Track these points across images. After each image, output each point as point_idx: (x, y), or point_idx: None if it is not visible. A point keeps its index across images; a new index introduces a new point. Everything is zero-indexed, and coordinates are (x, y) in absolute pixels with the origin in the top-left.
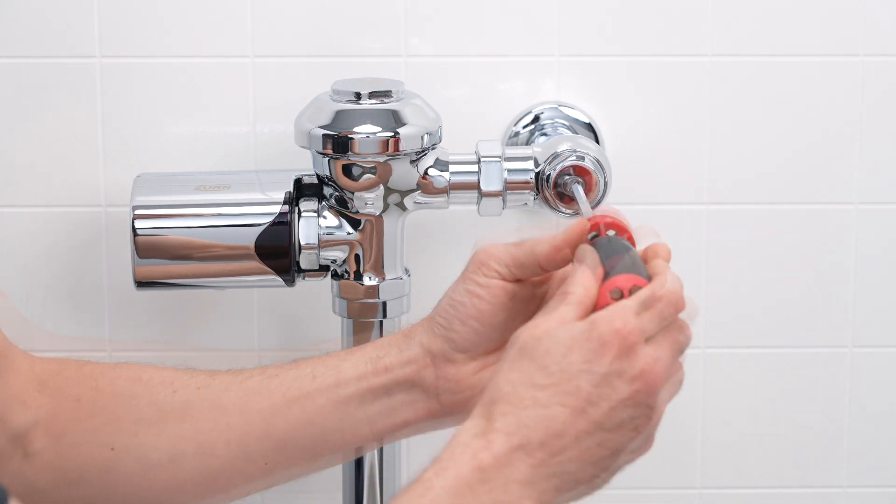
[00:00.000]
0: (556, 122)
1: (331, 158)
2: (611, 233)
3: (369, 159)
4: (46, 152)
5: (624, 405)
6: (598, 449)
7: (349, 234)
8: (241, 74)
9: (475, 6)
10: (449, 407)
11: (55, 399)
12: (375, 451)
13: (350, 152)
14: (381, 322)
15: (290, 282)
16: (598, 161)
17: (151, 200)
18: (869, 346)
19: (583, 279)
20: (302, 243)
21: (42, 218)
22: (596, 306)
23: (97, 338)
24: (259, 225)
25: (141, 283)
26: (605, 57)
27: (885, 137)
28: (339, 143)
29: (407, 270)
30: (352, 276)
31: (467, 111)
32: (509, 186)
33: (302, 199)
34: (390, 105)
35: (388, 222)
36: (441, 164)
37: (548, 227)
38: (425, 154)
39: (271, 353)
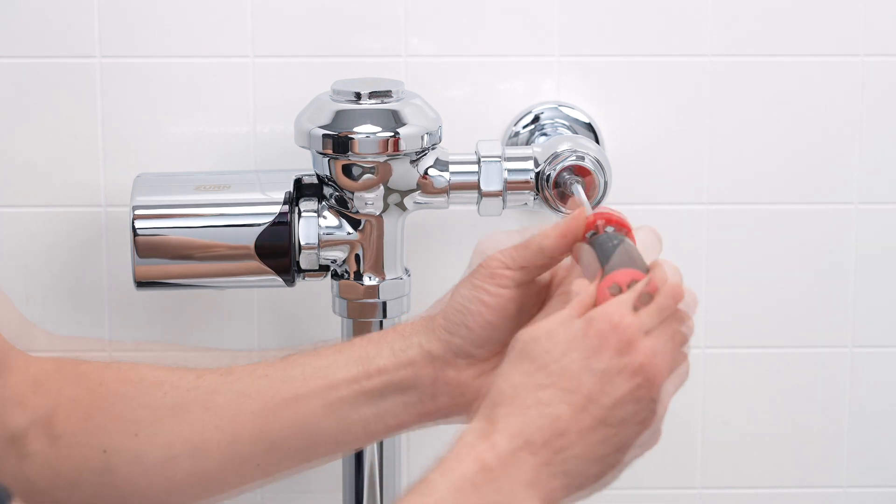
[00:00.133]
0: (556, 122)
1: (331, 158)
2: (609, 229)
3: (369, 159)
4: (46, 152)
5: (626, 400)
6: (603, 445)
7: (349, 234)
8: (241, 74)
9: (475, 6)
10: (445, 409)
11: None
12: (375, 451)
13: (350, 152)
14: (381, 322)
15: (290, 282)
16: (598, 161)
17: (151, 200)
18: (869, 346)
19: (580, 278)
20: (302, 243)
21: (42, 218)
22: (595, 304)
23: (97, 338)
24: (259, 225)
25: (141, 283)
26: (605, 57)
27: (885, 137)
28: (339, 143)
29: (407, 270)
30: (352, 276)
31: (467, 111)
32: (509, 186)
33: (302, 199)
34: (390, 105)
35: (388, 222)
36: (441, 164)
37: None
38: (425, 154)
39: (271, 353)
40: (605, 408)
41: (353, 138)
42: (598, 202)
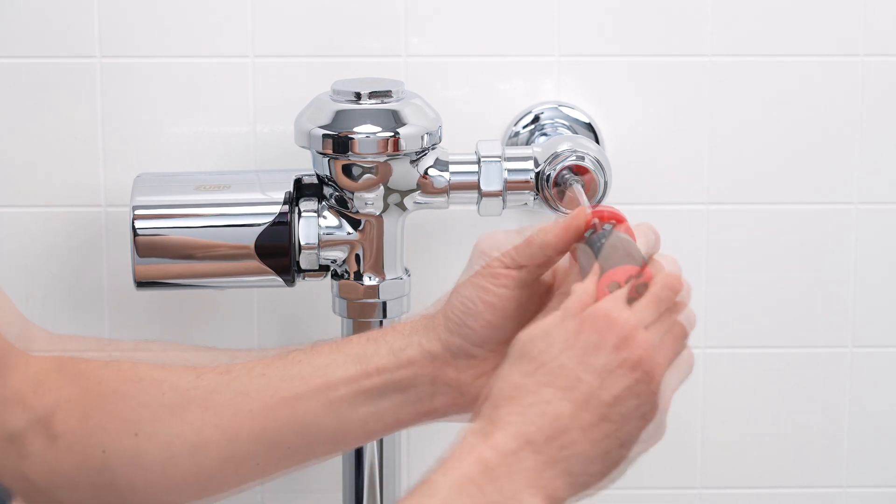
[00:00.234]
0: (556, 122)
1: (331, 158)
2: (608, 226)
3: (369, 159)
4: (46, 152)
5: (627, 395)
6: (606, 442)
7: (349, 234)
8: (241, 74)
9: (475, 6)
10: (444, 408)
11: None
12: (375, 451)
13: (350, 152)
14: (380, 322)
15: (290, 282)
16: (598, 161)
17: (151, 200)
18: (869, 346)
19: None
20: (302, 243)
21: (42, 218)
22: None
23: (97, 337)
24: (259, 225)
25: (141, 283)
26: (605, 57)
27: (885, 137)
28: (339, 143)
29: (407, 270)
30: (352, 276)
31: (467, 111)
32: (509, 186)
33: (302, 199)
34: (390, 105)
35: (388, 222)
36: (441, 164)
37: None
38: (425, 154)
39: (271, 352)
40: (606, 404)
41: (353, 138)
42: (598, 202)
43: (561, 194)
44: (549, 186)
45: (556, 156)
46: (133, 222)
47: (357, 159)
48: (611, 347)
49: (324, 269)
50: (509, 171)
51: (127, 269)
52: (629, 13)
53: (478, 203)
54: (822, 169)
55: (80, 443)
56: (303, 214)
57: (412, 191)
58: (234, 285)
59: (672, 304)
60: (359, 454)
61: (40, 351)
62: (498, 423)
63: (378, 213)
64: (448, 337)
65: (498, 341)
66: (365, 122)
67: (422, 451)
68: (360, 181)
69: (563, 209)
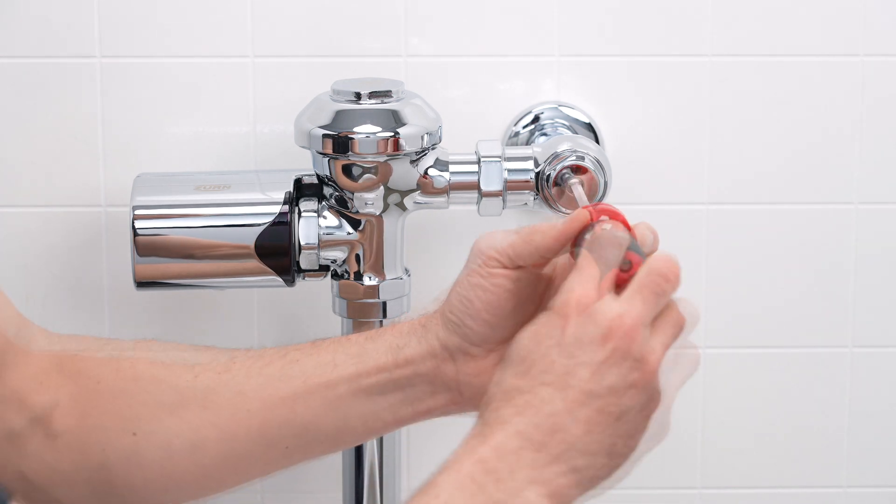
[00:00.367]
0: (556, 122)
1: (331, 158)
2: (607, 227)
3: (369, 159)
4: (46, 152)
5: (622, 386)
6: (608, 436)
7: (349, 234)
8: (241, 74)
9: (475, 6)
10: (442, 407)
11: (75, 380)
12: (375, 451)
13: (350, 152)
14: (381, 322)
15: (290, 282)
16: (598, 161)
17: (151, 200)
18: (869, 346)
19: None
20: (302, 243)
21: (42, 218)
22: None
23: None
24: (259, 225)
25: (141, 283)
26: (605, 57)
27: (885, 137)
28: (339, 143)
29: (407, 270)
30: (352, 276)
31: (467, 111)
32: (509, 186)
33: (302, 199)
34: (390, 105)
35: (388, 222)
36: (441, 164)
37: None
38: (425, 154)
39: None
40: (601, 396)
41: (353, 138)
42: (598, 202)
43: (561, 194)
44: (549, 186)
45: (556, 156)
46: (133, 222)
47: (357, 159)
48: (598, 339)
49: (324, 269)
50: (509, 171)
51: (127, 269)
52: (629, 13)
53: (478, 203)
54: (822, 169)
55: (79, 441)
56: (303, 214)
57: (412, 191)
58: (234, 285)
59: (661, 290)
60: (359, 454)
61: (39, 350)
62: (496, 424)
63: (378, 213)
64: (446, 336)
65: (496, 340)
66: (365, 122)
67: (422, 451)
68: (360, 181)
69: (563, 209)
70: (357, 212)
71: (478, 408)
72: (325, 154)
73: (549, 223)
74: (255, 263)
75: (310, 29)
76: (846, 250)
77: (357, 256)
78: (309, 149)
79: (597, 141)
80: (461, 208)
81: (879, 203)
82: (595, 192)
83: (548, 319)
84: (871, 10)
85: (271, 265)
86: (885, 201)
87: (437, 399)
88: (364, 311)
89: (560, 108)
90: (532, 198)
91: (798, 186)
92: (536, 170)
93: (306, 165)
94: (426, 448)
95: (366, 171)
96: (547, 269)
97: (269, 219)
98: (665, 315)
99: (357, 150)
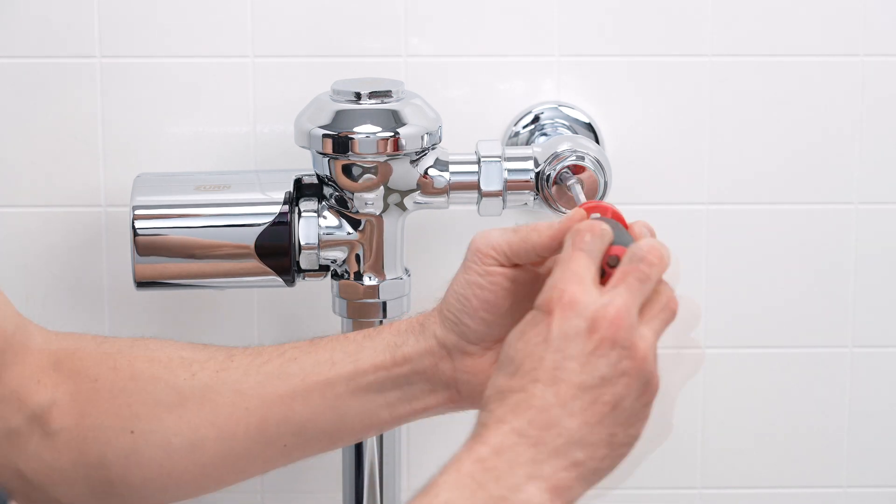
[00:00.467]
0: (556, 122)
1: (331, 158)
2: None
3: (369, 159)
4: (46, 152)
5: (613, 374)
6: (605, 426)
7: (349, 234)
8: (241, 74)
9: (475, 6)
10: (440, 404)
11: (73, 379)
12: (375, 451)
13: (350, 152)
14: (380, 322)
15: (290, 282)
16: (598, 161)
17: (151, 200)
18: (869, 346)
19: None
20: (302, 243)
21: (42, 218)
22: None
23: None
24: (259, 225)
25: (141, 284)
26: (605, 57)
27: (885, 137)
28: (339, 143)
29: (407, 270)
30: (352, 276)
31: (467, 111)
32: (509, 186)
33: (302, 199)
34: (390, 105)
35: (388, 222)
36: (441, 164)
37: None
38: (425, 154)
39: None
40: (594, 388)
41: (353, 138)
42: (597, 201)
43: (561, 194)
44: (549, 186)
45: (556, 156)
46: (133, 222)
47: (357, 159)
48: (584, 332)
49: (324, 269)
50: (509, 171)
51: (127, 269)
52: (629, 13)
53: (478, 203)
54: (822, 169)
55: (77, 440)
56: (303, 214)
57: (412, 191)
58: (234, 285)
59: (644, 276)
60: (359, 454)
61: (36, 347)
62: (492, 424)
63: (378, 213)
64: (444, 334)
65: (494, 338)
66: (365, 122)
67: (422, 451)
68: (360, 181)
69: (563, 209)
70: (357, 212)
71: (475, 405)
72: (325, 154)
73: (546, 222)
74: (255, 263)
75: (310, 29)
76: (846, 250)
77: (357, 256)
78: (309, 149)
79: (597, 141)
80: (461, 208)
81: (879, 203)
82: (595, 191)
83: (533, 317)
84: (871, 10)
85: (271, 265)
86: (885, 201)
87: (435, 397)
88: (364, 311)
89: (560, 108)
90: (532, 198)
91: (798, 186)
92: (536, 170)
93: (306, 165)
94: (426, 447)
95: (366, 171)
96: (544, 268)
97: (269, 219)
98: (654, 301)
99: (357, 150)
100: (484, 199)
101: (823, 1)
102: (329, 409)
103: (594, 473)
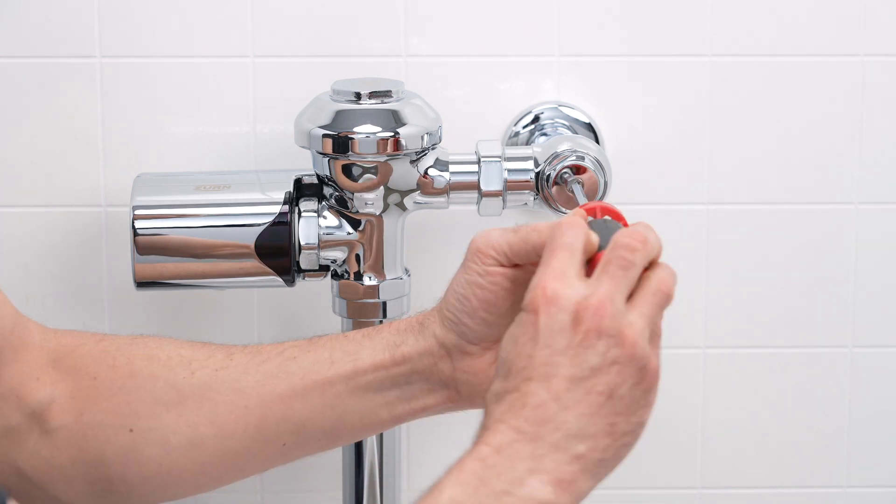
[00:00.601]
0: (556, 122)
1: (331, 158)
2: (606, 218)
3: (369, 159)
4: (46, 152)
5: (603, 363)
6: (603, 413)
7: (349, 234)
8: (241, 74)
9: (475, 6)
10: (439, 404)
11: (72, 376)
12: (375, 451)
13: (350, 152)
14: (380, 322)
15: (290, 282)
16: (598, 161)
17: (151, 200)
18: (869, 346)
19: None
20: (302, 243)
21: (42, 218)
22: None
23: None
24: (259, 225)
25: (141, 284)
26: (605, 57)
27: (885, 137)
28: (339, 143)
29: (407, 270)
30: (352, 276)
31: (467, 111)
32: (509, 186)
33: (302, 199)
34: (390, 105)
35: (388, 222)
36: (441, 164)
37: None
38: (425, 154)
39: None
40: (586, 379)
41: (353, 138)
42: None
43: (561, 194)
44: (549, 186)
45: (556, 156)
46: (133, 222)
47: (357, 159)
48: (569, 325)
49: (324, 269)
50: (509, 171)
51: (127, 269)
52: (629, 13)
53: (478, 203)
54: (822, 169)
55: (76, 438)
56: (303, 214)
57: (412, 191)
58: (234, 285)
59: (627, 263)
60: (359, 454)
61: (35, 345)
62: (491, 426)
63: (378, 213)
64: (444, 333)
65: (493, 338)
66: (365, 122)
67: (422, 451)
68: (360, 181)
69: (563, 209)
70: (357, 212)
71: (474, 405)
72: (325, 154)
73: (546, 222)
74: (255, 263)
75: (310, 29)
76: (846, 250)
77: (357, 256)
78: (309, 149)
79: (597, 141)
80: (461, 208)
81: (879, 203)
82: (595, 192)
83: (521, 319)
84: (871, 10)
85: (271, 265)
86: (885, 201)
87: (434, 396)
88: (364, 311)
89: (560, 108)
90: (532, 198)
91: (798, 186)
92: (536, 170)
93: (306, 165)
94: (426, 447)
95: (366, 171)
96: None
97: (269, 219)
98: (643, 285)
99: (357, 150)
100: (484, 199)
101: (823, 1)
102: (328, 408)
103: (599, 465)
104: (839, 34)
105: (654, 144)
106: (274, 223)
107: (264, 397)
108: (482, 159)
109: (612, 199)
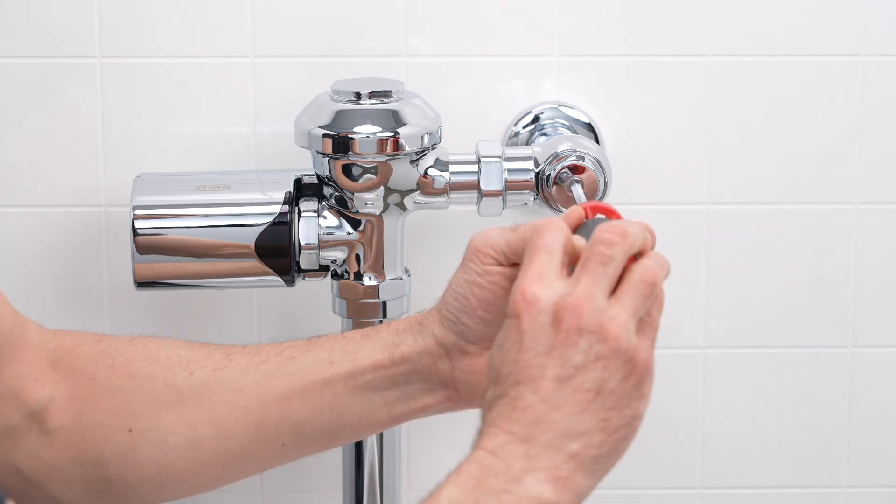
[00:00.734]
0: (556, 122)
1: (331, 158)
2: (599, 217)
3: (369, 159)
4: (46, 152)
5: (587, 360)
6: (593, 410)
7: (349, 234)
8: (241, 74)
9: (475, 6)
10: (438, 404)
11: (71, 377)
12: (375, 451)
13: (350, 152)
14: (380, 322)
15: (290, 282)
16: (598, 161)
17: (151, 200)
18: (869, 346)
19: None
20: (302, 243)
21: (42, 218)
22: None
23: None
24: (259, 225)
25: (141, 284)
26: (605, 57)
27: (885, 137)
28: (339, 143)
29: (407, 270)
30: (352, 276)
31: (467, 111)
32: (509, 186)
33: (302, 199)
34: (390, 105)
35: (388, 222)
36: (441, 164)
37: None
38: (425, 154)
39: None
40: (572, 378)
41: (353, 138)
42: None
43: (561, 194)
44: (549, 186)
45: (556, 156)
46: (133, 222)
47: (357, 159)
48: (549, 326)
49: (324, 269)
50: (509, 171)
51: (127, 269)
52: (629, 13)
53: (478, 203)
54: (822, 169)
55: (75, 438)
56: (303, 214)
57: (412, 191)
58: (234, 285)
59: (605, 258)
60: (359, 454)
61: (34, 345)
62: (485, 430)
63: (378, 213)
64: (442, 333)
65: (492, 338)
66: (365, 122)
67: (421, 451)
68: (360, 181)
69: (563, 209)
70: (357, 212)
71: (473, 405)
72: (325, 154)
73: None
74: (255, 263)
75: (310, 29)
76: (846, 250)
77: (357, 256)
78: (309, 149)
79: (597, 141)
80: (461, 208)
81: (879, 203)
82: (595, 192)
83: (505, 325)
84: (871, 10)
85: (271, 265)
86: (885, 201)
87: (433, 396)
88: (364, 311)
89: (560, 108)
90: (532, 198)
91: (798, 186)
92: (536, 170)
93: (306, 165)
94: (426, 447)
95: (366, 171)
96: None
97: (269, 219)
98: (625, 278)
99: (357, 150)
100: (484, 199)
101: (823, 1)
102: (327, 409)
103: (595, 461)
104: (839, 34)
105: (654, 144)
106: (274, 223)
107: (263, 397)
108: (482, 159)
109: (612, 199)
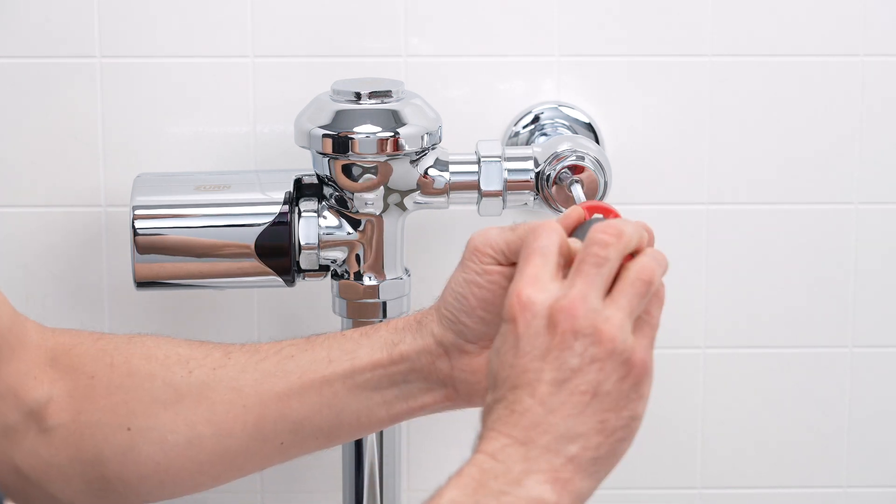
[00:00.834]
0: (556, 122)
1: (331, 158)
2: (597, 216)
3: (369, 159)
4: (46, 152)
5: (582, 362)
6: (591, 412)
7: (349, 234)
8: (241, 74)
9: (475, 6)
10: (437, 403)
11: (70, 375)
12: (375, 451)
13: (350, 152)
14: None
15: (290, 282)
16: (598, 161)
17: (151, 200)
18: (869, 346)
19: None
20: (302, 243)
21: (42, 218)
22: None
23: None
24: (259, 225)
25: (141, 284)
26: (605, 57)
27: (885, 137)
28: (339, 143)
29: (407, 270)
30: (352, 276)
31: (467, 111)
32: (509, 186)
33: (302, 199)
34: (390, 105)
35: (388, 222)
36: (441, 164)
37: None
38: (425, 154)
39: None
40: (568, 381)
41: (353, 138)
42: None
43: (561, 194)
44: (549, 186)
45: (556, 156)
46: (133, 222)
47: (357, 159)
48: (544, 329)
49: (324, 269)
50: (509, 171)
51: (127, 268)
52: (629, 13)
53: (478, 203)
54: (822, 169)
55: (74, 436)
56: (303, 214)
57: (412, 191)
58: (234, 285)
59: (600, 260)
60: (359, 454)
61: (33, 344)
62: (485, 435)
63: (378, 213)
64: (441, 332)
65: (491, 337)
66: (365, 122)
67: (421, 451)
68: (360, 181)
69: (563, 209)
70: (357, 212)
71: (472, 404)
72: (325, 154)
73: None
74: (255, 263)
75: (310, 29)
76: (846, 250)
77: (357, 256)
78: (309, 149)
79: (597, 141)
80: (461, 208)
81: (879, 203)
82: (595, 192)
83: (502, 329)
84: (871, 10)
85: (271, 265)
86: (885, 201)
87: (432, 395)
88: (364, 311)
89: (560, 108)
90: (532, 198)
91: (798, 186)
92: (536, 170)
93: (306, 165)
94: (426, 447)
95: (366, 171)
96: None
97: (269, 219)
98: (621, 278)
99: (357, 150)
100: (484, 199)
101: (823, 1)
102: (326, 407)
103: (594, 463)
104: (839, 34)
105: (654, 144)
106: (274, 223)
107: (262, 396)
108: (482, 159)
109: (611, 199)
